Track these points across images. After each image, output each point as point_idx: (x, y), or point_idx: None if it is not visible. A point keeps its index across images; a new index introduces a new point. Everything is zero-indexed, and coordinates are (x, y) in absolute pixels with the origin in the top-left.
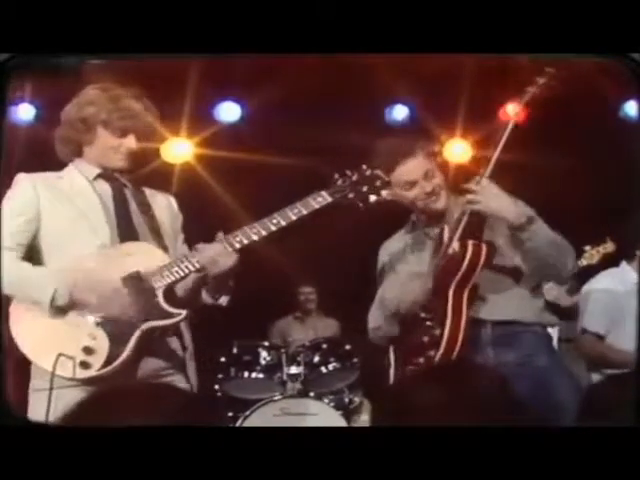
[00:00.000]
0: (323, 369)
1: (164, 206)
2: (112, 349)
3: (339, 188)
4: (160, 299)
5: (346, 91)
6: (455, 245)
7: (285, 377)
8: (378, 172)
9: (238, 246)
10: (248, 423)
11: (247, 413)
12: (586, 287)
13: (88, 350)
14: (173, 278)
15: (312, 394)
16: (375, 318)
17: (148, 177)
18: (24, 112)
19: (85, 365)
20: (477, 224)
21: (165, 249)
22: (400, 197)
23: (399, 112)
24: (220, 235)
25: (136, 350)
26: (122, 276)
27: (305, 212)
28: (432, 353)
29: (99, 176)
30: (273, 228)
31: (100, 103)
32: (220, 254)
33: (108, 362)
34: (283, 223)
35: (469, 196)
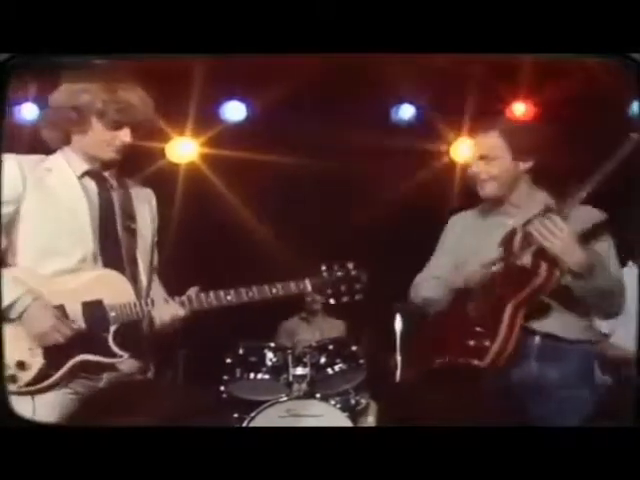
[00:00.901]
0: (329, 370)
1: (145, 204)
2: (42, 370)
3: (322, 282)
4: (110, 336)
5: (351, 90)
6: (527, 259)
7: (291, 378)
8: (360, 274)
9: (197, 307)
10: (254, 424)
11: (253, 414)
12: None
13: (21, 365)
14: (128, 319)
15: (318, 395)
16: (432, 288)
17: (132, 173)
18: (24, 112)
19: (13, 379)
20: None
21: (134, 276)
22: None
23: (406, 111)
24: (190, 293)
25: (64, 378)
26: (83, 301)
27: (282, 294)
28: (476, 362)
29: (87, 173)
30: (245, 299)
31: (95, 92)
32: (175, 316)
33: (34, 382)
34: (257, 297)
35: (540, 229)
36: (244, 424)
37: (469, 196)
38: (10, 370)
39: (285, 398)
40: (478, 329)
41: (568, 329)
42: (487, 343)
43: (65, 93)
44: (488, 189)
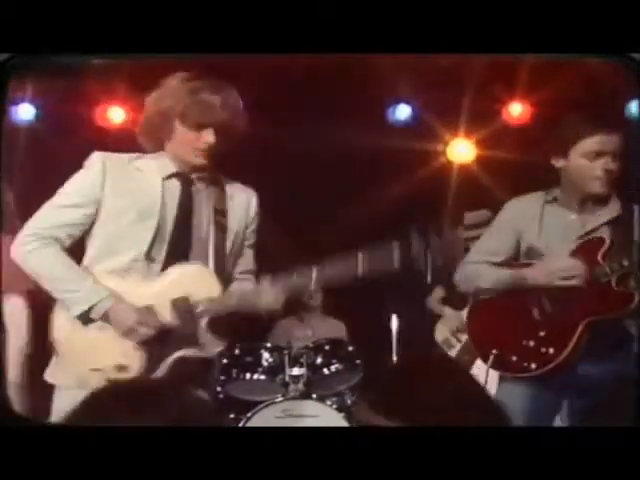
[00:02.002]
0: (326, 371)
1: (241, 206)
2: (143, 370)
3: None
4: (203, 328)
5: (347, 89)
6: (613, 279)
7: (287, 379)
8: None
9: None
10: (250, 425)
11: (249, 415)
12: None
13: (121, 367)
14: (220, 310)
15: (314, 396)
16: (489, 276)
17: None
18: (24, 112)
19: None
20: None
21: (220, 269)
22: (576, 165)
23: (402, 111)
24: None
25: (167, 375)
26: (170, 300)
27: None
28: (533, 366)
29: (174, 175)
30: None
31: (178, 95)
32: (270, 298)
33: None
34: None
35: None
36: (240, 424)
37: (465, 196)
38: (109, 373)
39: (281, 398)
40: (542, 334)
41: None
42: (551, 351)
43: (153, 99)
44: (608, 186)
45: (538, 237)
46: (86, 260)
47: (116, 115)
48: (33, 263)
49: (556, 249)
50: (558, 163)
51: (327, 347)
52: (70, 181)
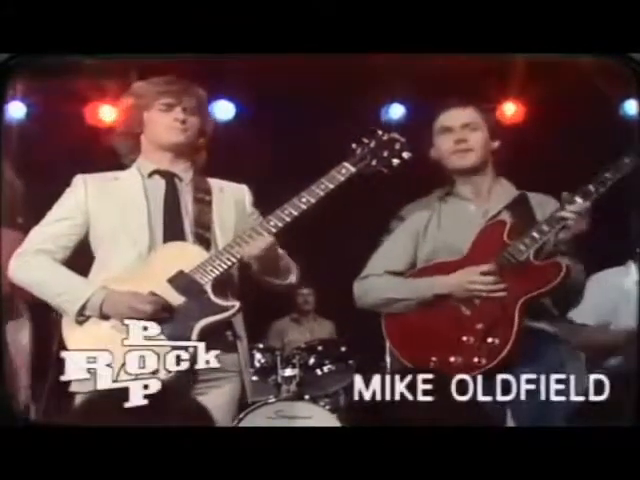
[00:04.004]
0: (318, 371)
1: (232, 200)
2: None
3: (360, 157)
4: (210, 294)
5: (341, 88)
6: (531, 254)
7: (280, 379)
8: (394, 135)
9: (274, 230)
10: (242, 426)
11: (241, 416)
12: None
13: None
14: (217, 272)
15: (307, 397)
16: (395, 287)
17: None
18: (24, 112)
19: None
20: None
21: (207, 244)
22: (434, 151)
23: (396, 111)
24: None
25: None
26: (167, 278)
27: (332, 186)
28: (483, 361)
29: (155, 172)
30: (304, 207)
31: (144, 90)
32: (259, 242)
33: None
34: (312, 201)
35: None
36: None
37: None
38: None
39: (273, 399)
40: (479, 327)
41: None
42: (497, 342)
43: (122, 103)
44: (469, 159)
45: (438, 232)
46: (92, 274)
47: (116, 115)
48: (21, 275)
49: (459, 244)
50: (433, 153)
51: (320, 348)
52: (55, 205)
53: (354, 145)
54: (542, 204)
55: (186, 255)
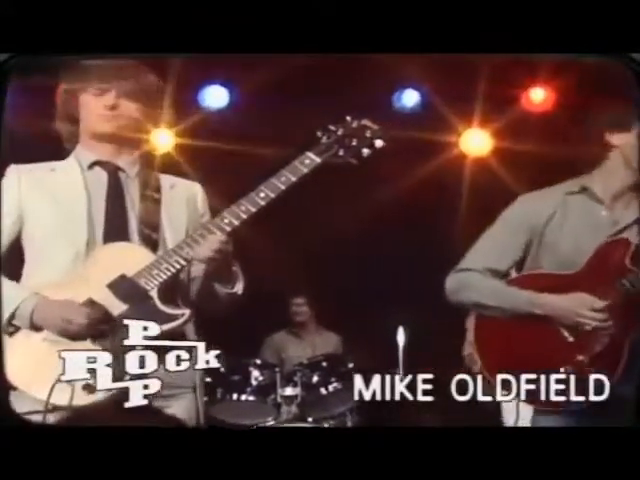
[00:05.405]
0: (322, 390)
1: (184, 198)
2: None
3: (326, 146)
4: (156, 301)
5: (351, 74)
6: None
7: (279, 399)
8: (365, 122)
9: (228, 229)
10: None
11: None
12: None
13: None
14: (164, 276)
15: (310, 419)
16: (490, 294)
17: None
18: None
19: (89, 388)
20: None
21: (154, 245)
22: (633, 146)
23: (409, 97)
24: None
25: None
26: (108, 283)
27: (294, 179)
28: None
29: (96, 164)
30: (262, 203)
31: (82, 69)
32: (211, 242)
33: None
34: (272, 195)
35: None
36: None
37: (479, 190)
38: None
39: (273, 422)
40: (580, 358)
41: None
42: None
43: (58, 89)
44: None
45: (560, 232)
46: (23, 278)
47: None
48: None
49: (585, 249)
50: (615, 139)
51: (324, 364)
52: None
53: (319, 133)
54: None
55: (130, 257)
